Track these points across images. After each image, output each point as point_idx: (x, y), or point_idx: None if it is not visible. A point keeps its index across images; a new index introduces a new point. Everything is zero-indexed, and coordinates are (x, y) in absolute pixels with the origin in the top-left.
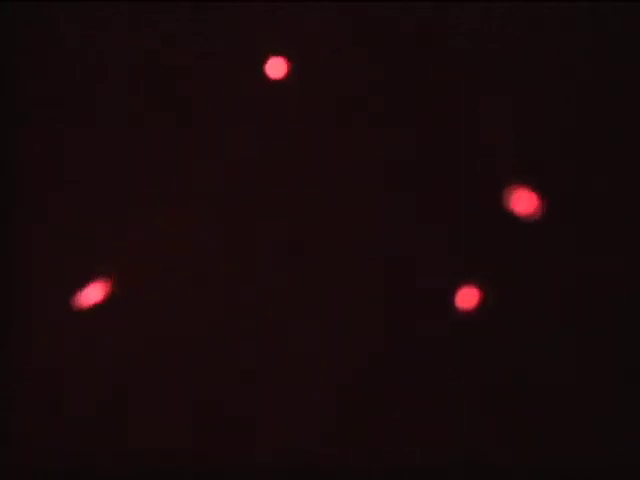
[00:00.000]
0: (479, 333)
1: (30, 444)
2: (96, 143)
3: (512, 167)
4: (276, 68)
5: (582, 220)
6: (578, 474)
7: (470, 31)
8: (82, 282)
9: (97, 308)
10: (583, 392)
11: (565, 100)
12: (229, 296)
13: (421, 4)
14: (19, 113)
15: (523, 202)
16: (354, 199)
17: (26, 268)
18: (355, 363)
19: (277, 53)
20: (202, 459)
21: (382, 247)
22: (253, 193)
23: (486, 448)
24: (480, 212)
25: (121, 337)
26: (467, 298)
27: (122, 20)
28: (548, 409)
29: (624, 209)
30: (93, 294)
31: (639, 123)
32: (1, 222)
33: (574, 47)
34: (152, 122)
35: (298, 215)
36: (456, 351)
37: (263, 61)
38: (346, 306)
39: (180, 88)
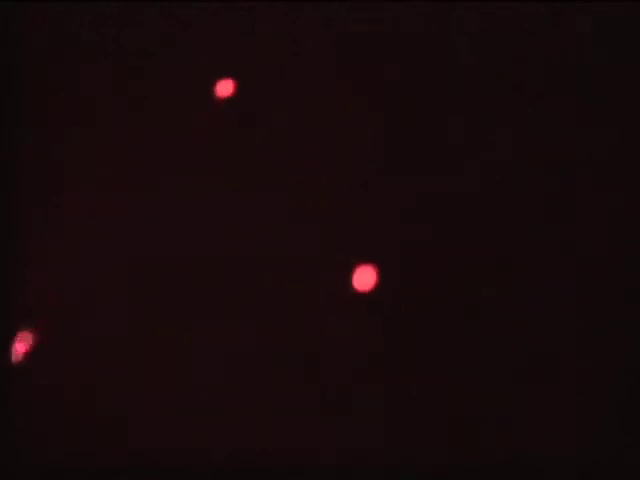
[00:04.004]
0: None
1: (31, 444)
2: (96, 143)
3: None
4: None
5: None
6: (577, 474)
7: (470, 32)
8: (82, 282)
9: (98, 308)
10: (582, 392)
11: (565, 101)
12: (228, 298)
13: (421, 4)
14: (19, 113)
15: None
16: (338, 204)
17: (26, 268)
18: (355, 362)
19: (271, 54)
20: (203, 458)
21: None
22: (252, 192)
23: (486, 448)
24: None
25: (122, 337)
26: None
27: (122, 20)
28: (547, 408)
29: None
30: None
31: (638, 124)
32: (1, 222)
33: (574, 48)
34: (152, 122)
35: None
36: (455, 349)
37: (264, 61)
38: (347, 308)
39: (181, 88)
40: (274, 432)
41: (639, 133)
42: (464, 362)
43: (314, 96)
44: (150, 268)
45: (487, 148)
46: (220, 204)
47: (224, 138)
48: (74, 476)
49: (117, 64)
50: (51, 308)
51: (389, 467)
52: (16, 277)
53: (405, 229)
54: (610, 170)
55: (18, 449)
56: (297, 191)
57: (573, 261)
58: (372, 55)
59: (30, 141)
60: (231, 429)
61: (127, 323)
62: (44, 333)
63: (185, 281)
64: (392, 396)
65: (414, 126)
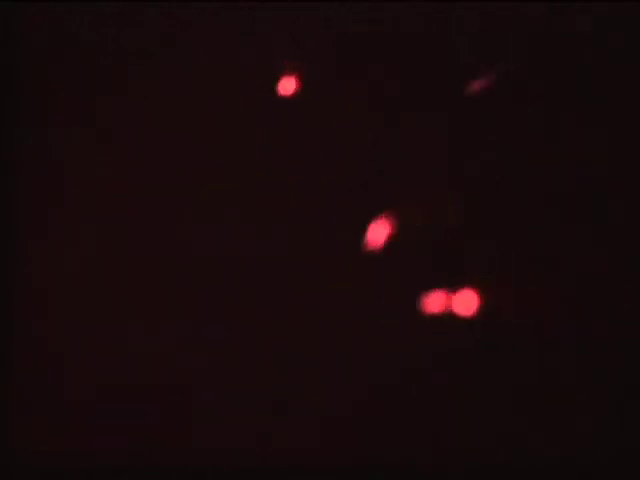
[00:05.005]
0: (478, 335)
1: (30, 444)
2: (96, 143)
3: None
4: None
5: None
6: (577, 474)
7: (470, 32)
8: (82, 281)
9: (98, 307)
10: (582, 392)
11: (565, 101)
12: (228, 298)
13: (421, 4)
14: (19, 113)
15: None
16: (356, 204)
17: (26, 268)
18: (355, 362)
19: (277, 56)
20: (203, 458)
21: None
22: (252, 192)
23: (486, 448)
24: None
25: (122, 337)
26: (466, 302)
27: (122, 20)
28: (547, 408)
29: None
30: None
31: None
32: (1, 222)
33: (574, 48)
34: (152, 122)
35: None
36: (456, 351)
37: (265, 63)
38: (346, 314)
39: (181, 89)
40: (274, 432)
41: (639, 133)
42: (465, 362)
43: (314, 96)
44: (150, 268)
45: (487, 148)
46: (220, 204)
47: (224, 138)
48: (74, 476)
49: (117, 64)
50: (51, 308)
51: (389, 467)
52: (16, 277)
53: (404, 228)
54: (610, 170)
55: (18, 449)
56: (297, 191)
57: (573, 261)
58: (372, 55)
59: (30, 141)
60: (231, 429)
61: (127, 323)
62: (44, 331)
63: (185, 281)
64: (391, 396)
65: (414, 126)
